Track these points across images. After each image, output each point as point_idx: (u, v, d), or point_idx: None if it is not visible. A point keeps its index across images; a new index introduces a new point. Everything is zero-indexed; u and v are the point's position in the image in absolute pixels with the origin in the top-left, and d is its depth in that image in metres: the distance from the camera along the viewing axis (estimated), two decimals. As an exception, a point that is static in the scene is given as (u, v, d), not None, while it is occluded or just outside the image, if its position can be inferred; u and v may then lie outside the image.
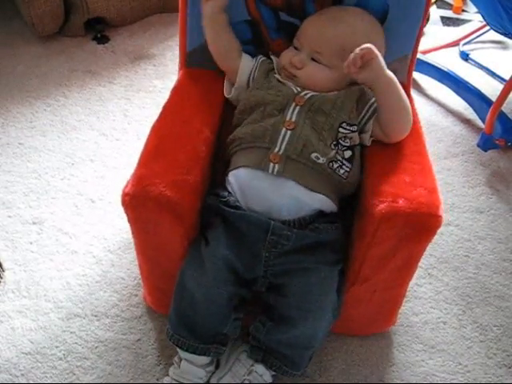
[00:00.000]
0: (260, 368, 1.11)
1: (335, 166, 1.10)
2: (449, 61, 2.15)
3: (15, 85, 2.02)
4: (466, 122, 1.96)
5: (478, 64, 2.21)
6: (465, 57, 2.26)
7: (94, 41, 2.25)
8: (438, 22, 2.52)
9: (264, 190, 1.09)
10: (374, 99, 1.14)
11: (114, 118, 1.90)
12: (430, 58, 2.06)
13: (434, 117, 1.97)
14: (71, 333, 1.30)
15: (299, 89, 1.16)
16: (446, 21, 2.54)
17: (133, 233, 1.13)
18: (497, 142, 1.74)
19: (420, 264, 1.11)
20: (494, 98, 1.75)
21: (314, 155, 1.09)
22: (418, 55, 1.30)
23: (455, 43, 2.32)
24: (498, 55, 2.31)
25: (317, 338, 1.09)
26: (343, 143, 1.11)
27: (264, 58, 1.26)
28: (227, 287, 1.06)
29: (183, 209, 1.03)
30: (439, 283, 1.44)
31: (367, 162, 1.16)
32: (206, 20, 1.21)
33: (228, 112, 1.27)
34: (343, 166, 1.11)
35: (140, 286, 1.36)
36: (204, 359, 1.11)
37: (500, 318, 1.37)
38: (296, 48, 1.20)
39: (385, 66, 1.07)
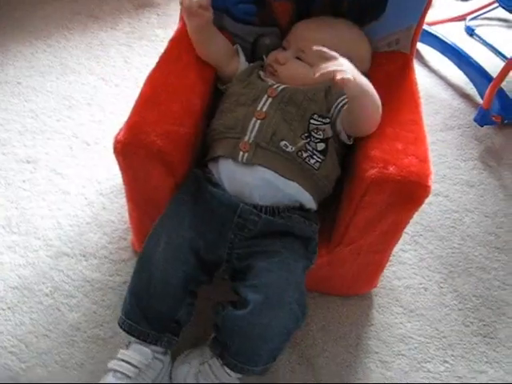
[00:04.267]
0: (214, 362, 1.05)
1: (305, 155, 1.09)
2: (454, 34, 2.14)
3: (17, 24, 2.00)
4: (465, 96, 1.96)
5: (483, 40, 2.20)
6: (470, 32, 2.24)
7: (98, -15, 2.22)
8: (446, -5, 2.49)
9: (235, 172, 1.09)
10: (340, 99, 1.13)
11: (114, 64, 1.89)
12: (434, 30, 2.05)
13: (434, 89, 1.97)
14: (59, 271, 1.32)
15: (274, 82, 1.17)
16: (455, -6, 2.51)
17: (124, 180, 1.14)
18: (493, 118, 1.75)
19: (406, 231, 1.13)
20: (495, 75, 1.75)
21: (282, 143, 1.08)
22: (424, 26, 1.29)
23: (462, 17, 2.30)
24: (503, 33, 2.29)
25: (272, 330, 1.01)
26: (316, 135, 1.10)
27: (254, 63, 1.28)
28: (185, 268, 1.05)
29: (174, 159, 1.03)
30: (424, 250, 1.46)
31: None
32: (191, 34, 1.21)
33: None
34: (314, 157, 1.09)
35: (129, 231, 1.37)
36: (155, 348, 1.07)
37: (480, 289, 1.40)
38: (284, 48, 1.23)
39: (357, 75, 1.00)
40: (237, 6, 1.28)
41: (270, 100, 1.13)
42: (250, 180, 1.08)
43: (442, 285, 1.40)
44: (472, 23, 2.29)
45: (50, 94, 1.76)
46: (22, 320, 1.23)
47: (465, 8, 2.35)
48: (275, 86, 1.15)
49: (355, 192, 1.04)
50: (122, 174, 1.11)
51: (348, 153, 1.17)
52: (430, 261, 1.44)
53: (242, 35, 1.32)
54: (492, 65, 1.95)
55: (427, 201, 1.02)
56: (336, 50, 1.11)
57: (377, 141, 1.07)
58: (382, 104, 1.14)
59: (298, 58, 1.20)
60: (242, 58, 1.27)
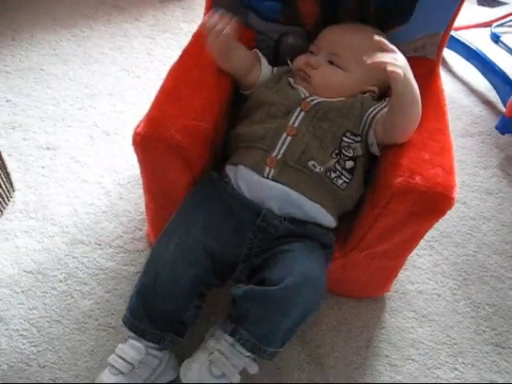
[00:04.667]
0: (223, 345, 1.01)
1: (333, 175, 1.08)
2: (479, 41, 2.11)
3: (42, 11, 2.02)
4: (488, 103, 1.95)
5: (508, 48, 2.18)
6: (496, 39, 2.22)
7: (125, -24, 2.23)
8: (472, 1, 2.47)
9: (257, 185, 1.08)
10: (371, 109, 1.12)
11: (137, 56, 1.90)
12: (459, 35, 2.03)
13: (456, 94, 1.96)
14: (74, 258, 1.33)
15: (308, 94, 1.14)
16: (481, 0, 2.49)
17: (141, 172, 1.14)
18: (515, 126, 1.74)
19: (422, 236, 1.12)
20: (519, 83, 1.74)
21: (311, 163, 1.07)
22: (449, 31, 1.29)
23: (488, 24, 2.29)
24: (529, 41, 2.27)
25: (295, 306, 0.99)
26: (346, 153, 1.10)
27: (280, 68, 1.25)
28: (196, 270, 1.02)
29: (192, 154, 1.03)
30: (439, 256, 1.45)
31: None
32: (210, 52, 1.15)
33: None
34: (342, 177, 1.09)
35: (145, 222, 1.38)
36: (148, 344, 1.05)
37: (494, 297, 1.39)
38: (311, 53, 1.21)
39: (408, 73, 1.00)
40: (262, 3, 1.28)
41: (302, 114, 1.11)
42: (272, 194, 1.07)
43: (455, 291, 1.39)
44: (498, 30, 2.27)
45: (73, 83, 1.77)
46: (35, 304, 1.24)
47: (491, 14, 2.34)
48: (309, 100, 1.13)
49: (379, 199, 1.04)
50: (140, 166, 1.12)
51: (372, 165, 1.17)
52: (445, 267, 1.43)
53: (266, 32, 1.32)
54: (516, 73, 1.94)
55: (444, 207, 1.02)
56: (363, 55, 1.12)
57: (404, 149, 1.06)
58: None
59: (330, 63, 1.18)
60: (264, 62, 1.24)
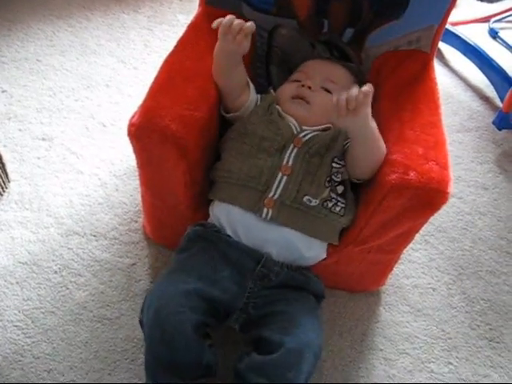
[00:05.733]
0: None
1: (330, 204, 1.09)
2: (477, 36, 2.11)
3: (39, 2, 2.01)
4: (485, 98, 1.94)
5: (506, 43, 2.17)
6: (493, 34, 2.22)
7: (122, -33, 2.22)
8: (471, -4, 2.47)
9: (255, 228, 1.07)
10: (346, 141, 1.12)
11: (134, 47, 1.89)
12: (457, 30, 2.03)
13: (454, 89, 1.95)
14: (69, 249, 1.32)
15: (298, 128, 1.13)
16: (481, -4, 2.49)
17: (137, 163, 1.14)
18: (512, 122, 1.73)
19: (417, 230, 1.12)
20: (516, 79, 1.74)
21: (306, 198, 1.07)
22: (446, 26, 1.27)
23: (486, 19, 2.28)
24: (527, 37, 2.27)
25: (302, 374, 0.96)
26: (335, 178, 1.10)
27: (263, 95, 1.23)
28: (197, 315, 0.98)
29: (187, 144, 1.02)
30: (434, 251, 1.45)
31: (382, 127, 1.11)
32: (217, 57, 1.12)
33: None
34: (338, 203, 1.10)
35: (141, 213, 1.38)
36: None
37: (489, 292, 1.39)
38: (296, 81, 1.22)
39: (369, 116, 1.01)
40: (255, -6, 1.27)
41: (295, 151, 1.10)
42: (271, 238, 1.07)
43: (450, 286, 1.39)
44: (496, 25, 2.27)
45: (69, 74, 1.76)
46: (30, 295, 1.24)
47: (489, 10, 2.33)
48: (301, 136, 1.12)
49: (374, 196, 1.03)
50: (136, 156, 1.11)
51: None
52: (440, 261, 1.43)
53: (259, 24, 1.30)
54: (514, 68, 1.93)
55: (440, 201, 1.01)
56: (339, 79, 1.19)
57: (397, 144, 1.06)
58: (402, 103, 1.13)
59: (324, 90, 1.19)
60: (253, 89, 1.21)
